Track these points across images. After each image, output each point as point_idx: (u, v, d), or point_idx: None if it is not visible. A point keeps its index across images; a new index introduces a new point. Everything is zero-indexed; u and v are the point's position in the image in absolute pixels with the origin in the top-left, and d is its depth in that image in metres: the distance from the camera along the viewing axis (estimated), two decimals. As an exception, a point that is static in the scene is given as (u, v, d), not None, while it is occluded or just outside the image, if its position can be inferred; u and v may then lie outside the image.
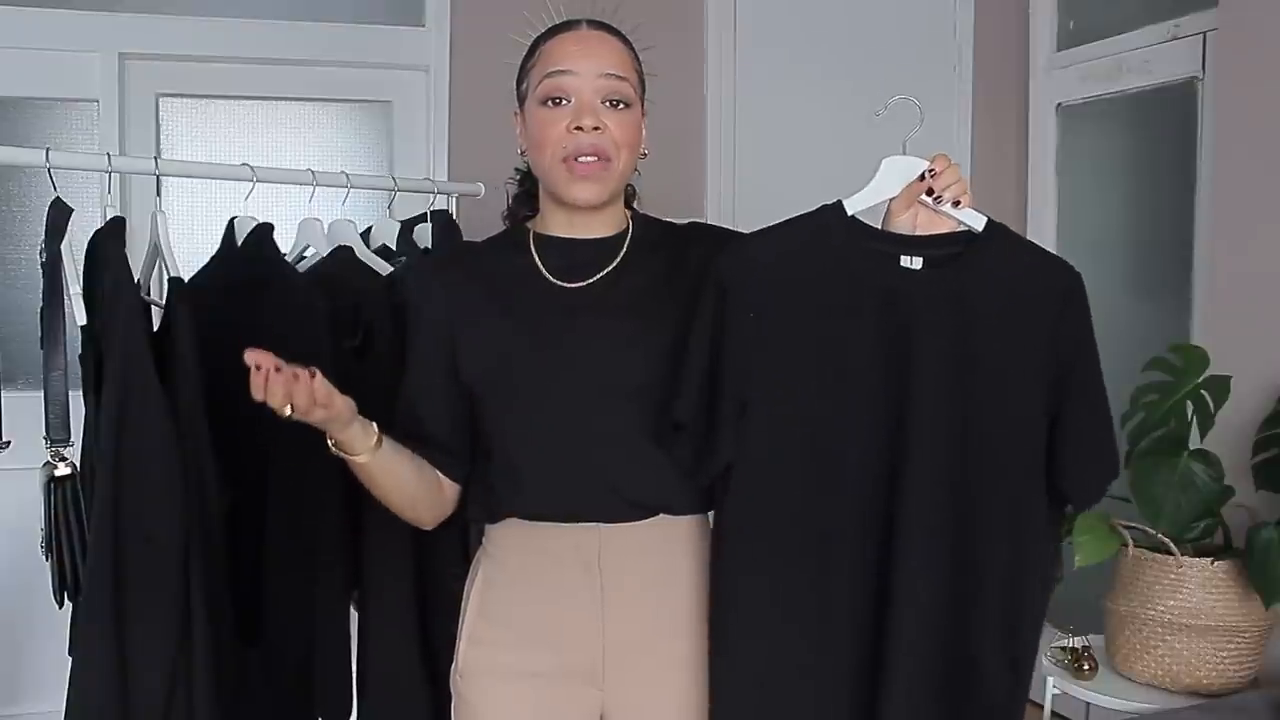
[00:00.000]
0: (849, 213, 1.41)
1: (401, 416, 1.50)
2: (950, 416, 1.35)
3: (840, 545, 1.37)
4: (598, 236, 1.48)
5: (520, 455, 1.45)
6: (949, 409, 1.35)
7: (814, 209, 1.42)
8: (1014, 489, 1.38)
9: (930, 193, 1.38)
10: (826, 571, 1.38)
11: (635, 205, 1.58)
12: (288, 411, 1.30)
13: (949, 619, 1.37)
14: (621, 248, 1.48)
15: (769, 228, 1.44)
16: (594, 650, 1.45)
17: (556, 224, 1.49)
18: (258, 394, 1.28)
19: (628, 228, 1.51)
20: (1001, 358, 1.36)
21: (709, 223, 1.60)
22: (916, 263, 1.38)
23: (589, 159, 1.40)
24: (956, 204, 1.38)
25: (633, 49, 1.48)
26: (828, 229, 1.40)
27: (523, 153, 1.50)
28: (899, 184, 1.40)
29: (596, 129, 1.40)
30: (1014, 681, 1.41)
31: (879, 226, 1.42)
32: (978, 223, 1.40)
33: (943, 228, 1.40)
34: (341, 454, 1.40)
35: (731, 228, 1.56)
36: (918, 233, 1.40)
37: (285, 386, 1.28)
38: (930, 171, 1.38)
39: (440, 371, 1.47)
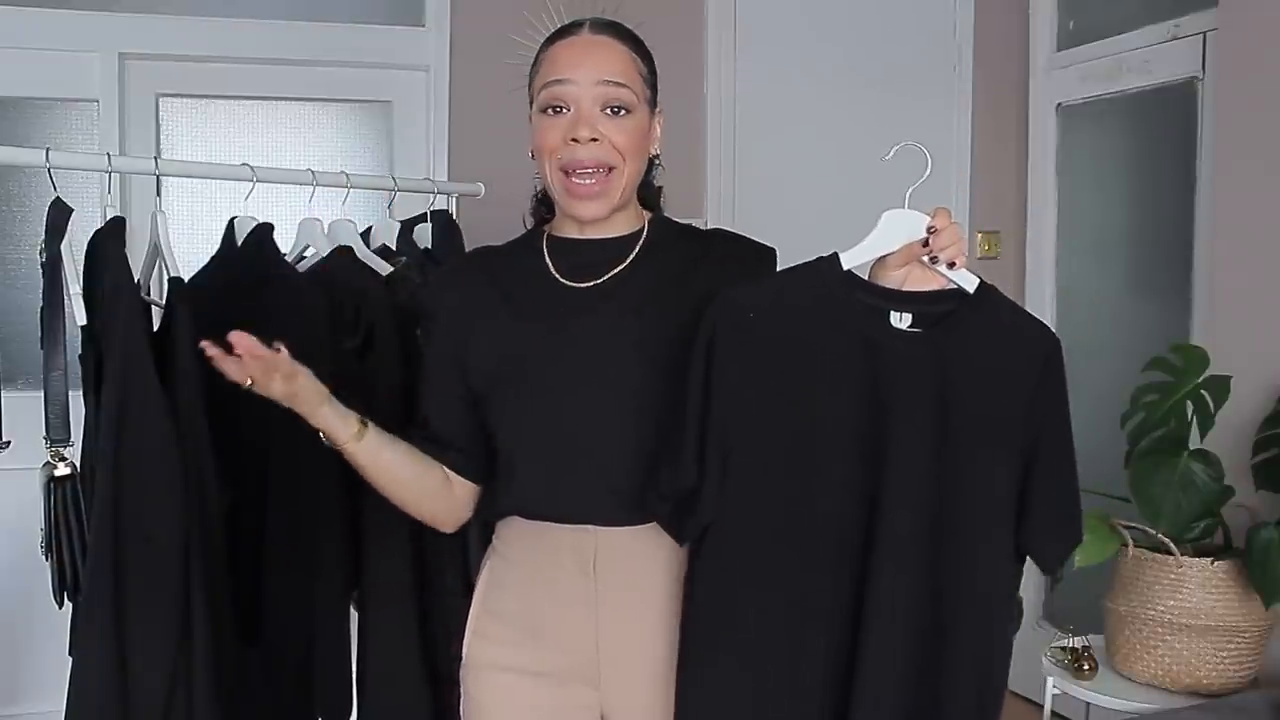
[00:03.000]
0: (845, 266, 1.40)
1: (418, 419, 1.52)
2: (926, 479, 1.35)
3: (814, 605, 1.36)
4: (609, 237, 1.48)
5: (519, 454, 1.45)
6: (925, 470, 1.35)
7: (810, 260, 1.41)
8: (984, 552, 1.38)
9: (927, 250, 1.37)
10: (800, 636, 1.37)
11: (660, 207, 1.56)
12: (247, 383, 1.38)
13: (917, 685, 1.36)
14: (633, 248, 1.48)
15: (763, 279, 1.43)
16: (588, 651, 1.45)
17: (569, 226, 1.49)
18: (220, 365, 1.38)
19: (642, 228, 1.50)
20: (978, 423, 1.36)
21: (731, 231, 1.58)
22: (905, 320, 1.38)
23: (586, 175, 1.39)
24: (951, 265, 1.37)
25: (640, 50, 1.47)
26: (822, 282, 1.39)
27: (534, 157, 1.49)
28: (899, 240, 1.38)
29: (594, 140, 1.39)
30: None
31: (868, 274, 1.42)
32: (969, 285, 1.39)
33: (932, 284, 1.39)
34: (329, 444, 1.44)
35: (752, 238, 1.54)
36: (907, 287, 1.39)
37: (246, 363, 1.36)
38: (930, 229, 1.36)
39: (452, 372, 1.48)
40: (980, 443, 1.36)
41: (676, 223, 1.55)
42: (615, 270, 1.46)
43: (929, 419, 1.35)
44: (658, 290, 1.45)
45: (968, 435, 1.36)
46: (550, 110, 1.41)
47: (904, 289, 1.39)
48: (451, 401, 1.49)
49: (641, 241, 1.48)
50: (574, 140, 1.38)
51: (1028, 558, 1.43)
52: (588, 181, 1.40)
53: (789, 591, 1.36)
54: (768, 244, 1.52)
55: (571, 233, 1.48)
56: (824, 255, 1.40)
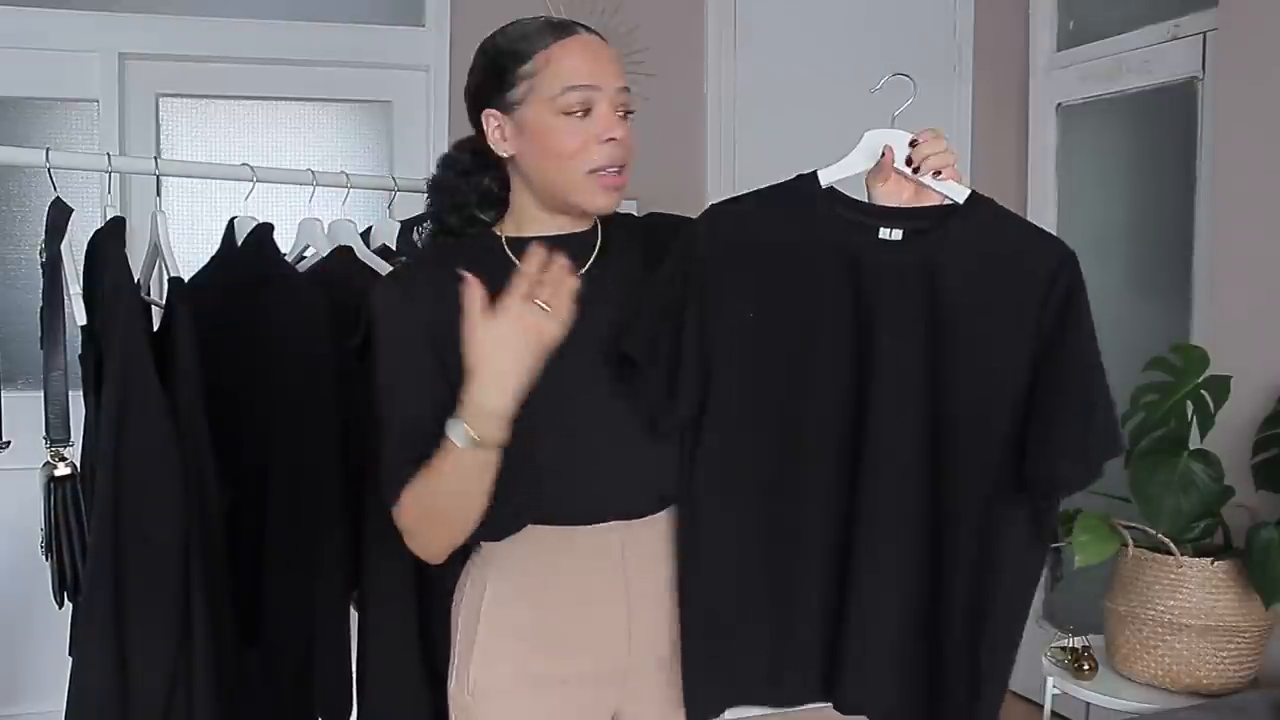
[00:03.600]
0: (823, 183, 1.41)
1: (404, 439, 1.37)
2: (917, 390, 1.34)
3: (805, 516, 1.38)
4: (572, 233, 1.47)
5: (543, 460, 1.40)
6: (915, 381, 1.34)
7: (789, 179, 1.42)
8: (985, 468, 1.34)
9: (909, 163, 1.37)
10: (793, 539, 1.39)
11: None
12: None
13: (915, 601, 1.38)
14: (595, 240, 1.48)
15: (744, 195, 1.44)
16: (621, 648, 1.44)
17: (535, 224, 1.46)
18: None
19: (594, 220, 1.50)
20: (974, 332, 1.33)
21: (664, 212, 1.58)
22: (896, 234, 1.37)
23: (614, 171, 1.41)
24: (937, 175, 1.37)
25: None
26: (801, 197, 1.40)
27: (510, 156, 1.45)
28: (875, 156, 1.40)
29: (623, 140, 1.42)
30: (975, 665, 1.37)
31: (866, 199, 1.42)
32: (959, 195, 1.37)
33: (930, 202, 1.39)
34: (482, 439, 1.28)
35: (684, 215, 1.54)
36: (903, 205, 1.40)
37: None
38: (913, 142, 1.38)
39: (439, 385, 1.36)
40: (979, 355, 1.33)
41: (616, 211, 1.53)
42: (589, 263, 1.45)
43: (916, 329, 1.33)
44: (636, 277, 1.45)
45: (964, 348, 1.33)
46: (576, 114, 1.40)
47: (892, 206, 1.40)
48: (446, 413, 1.36)
49: (602, 233, 1.49)
50: (610, 140, 1.40)
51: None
52: (616, 174, 1.42)
53: (786, 506, 1.38)
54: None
55: (537, 230, 1.45)
56: (803, 173, 1.42)
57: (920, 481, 1.36)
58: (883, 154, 1.38)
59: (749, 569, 1.41)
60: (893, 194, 1.40)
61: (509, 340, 1.26)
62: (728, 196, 1.44)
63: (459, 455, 1.29)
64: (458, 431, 1.28)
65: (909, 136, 1.37)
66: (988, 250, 1.34)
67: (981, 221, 1.36)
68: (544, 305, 1.26)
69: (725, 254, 1.38)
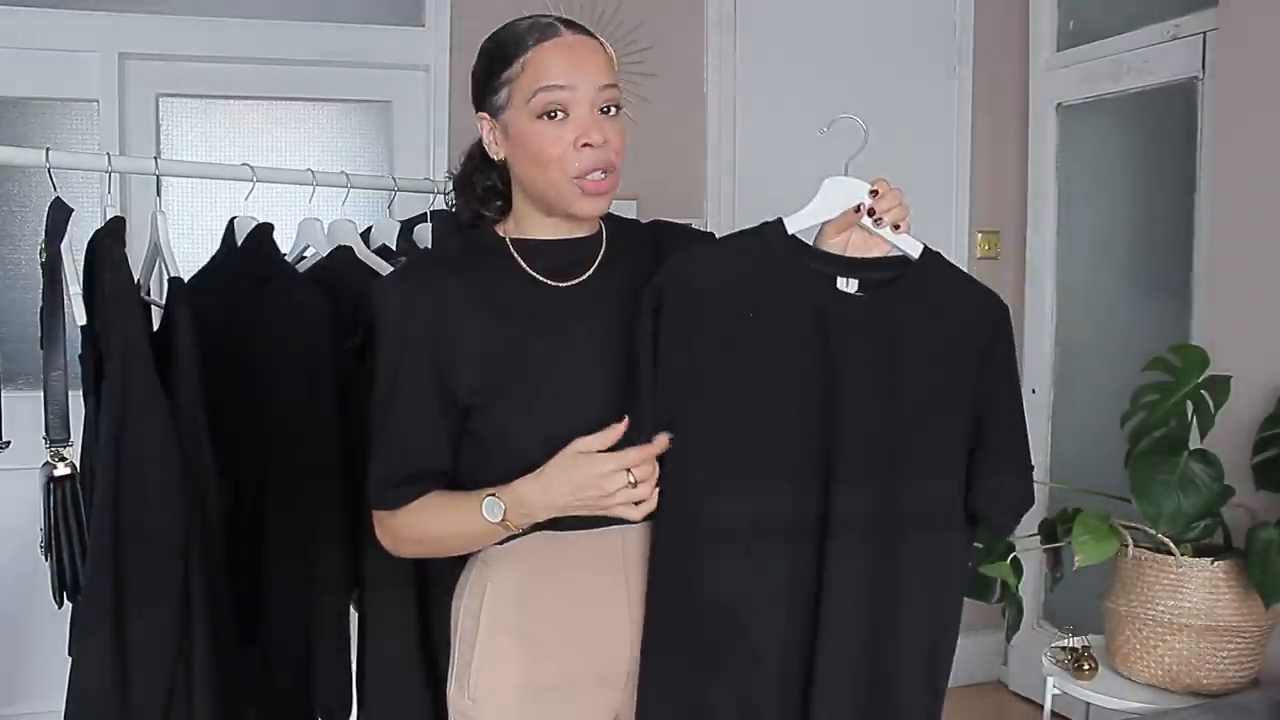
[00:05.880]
0: (789, 231, 1.41)
1: (393, 445, 1.41)
2: (878, 441, 1.36)
3: (768, 564, 1.38)
4: (577, 237, 1.46)
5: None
6: (877, 433, 1.36)
7: (756, 225, 1.42)
8: (935, 508, 1.40)
9: (871, 213, 1.39)
10: (753, 593, 1.38)
11: None
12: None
13: (871, 642, 1.39)
14: (599, 245, 1.47)
15: (710, 242, 1.45)
16: (623, 651, 1.44)
17: (538, 227, 1.45)
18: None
19: (600, 226, 1.49)
20: (928, 385, 1.38)
21: (669, 221, 1.58)
22: (852, 285, 1.39)
23: (600, 176, 1.38)
24: (895, 228, 1.39)
25: (607, 48, 1.45)
26: (768, 246, 1.40)
27: (501, 159, 1.45)
28: (840, 205, 1.41)
29: (605, 142, 1.38)
30: (931, 699, 1.43)
31: (813, 244, 1.44)
32: (914, 249, 1.41)
33: (875, 251, 1.41)
34: (509, 525, 1.36)
35: (696, 226, 1.54)
36: (849, 254, 1.41)
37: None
38: (872, 193, 1.39)
39: (435, 394, 1.38)
40: (930, 406, 1.38)
41: (619, 216, 1.54)
42: (592, 269, 1.45)
43: (879, 382, 1.36)
44: (638, 285, 1.43)
45: (918, 399, 1.38)
46: (548, 116, 1.38)
47: (846, 255, 1.41)
48: (440, 429, 1.40)
49: (606, 238, 1.48)
50: (586, 145, 1.37)
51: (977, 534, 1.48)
52: (602, 179, 1.39)
53: (748, 554, 1.37)
54: (708, 230, 1.52)
55: (542, 234, 1.45)
56: (768, 220, 1.42)
57: (879, 526, 1.37)
58: (857, 208, 1.40)
59: (715, 617, 1.40)
60: (840, 240, 1.42)
61: (584, 483, 1.32)
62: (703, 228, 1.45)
63: (481, 521, 1.36)
64: (493, 509, 1.34)
65: (867, 187, 1.40)
66: (937, 306, 1.40)
67: (932, 277, 1.41)
68: (632, 499, 1.32)
69: (692, 300, 1.37)
